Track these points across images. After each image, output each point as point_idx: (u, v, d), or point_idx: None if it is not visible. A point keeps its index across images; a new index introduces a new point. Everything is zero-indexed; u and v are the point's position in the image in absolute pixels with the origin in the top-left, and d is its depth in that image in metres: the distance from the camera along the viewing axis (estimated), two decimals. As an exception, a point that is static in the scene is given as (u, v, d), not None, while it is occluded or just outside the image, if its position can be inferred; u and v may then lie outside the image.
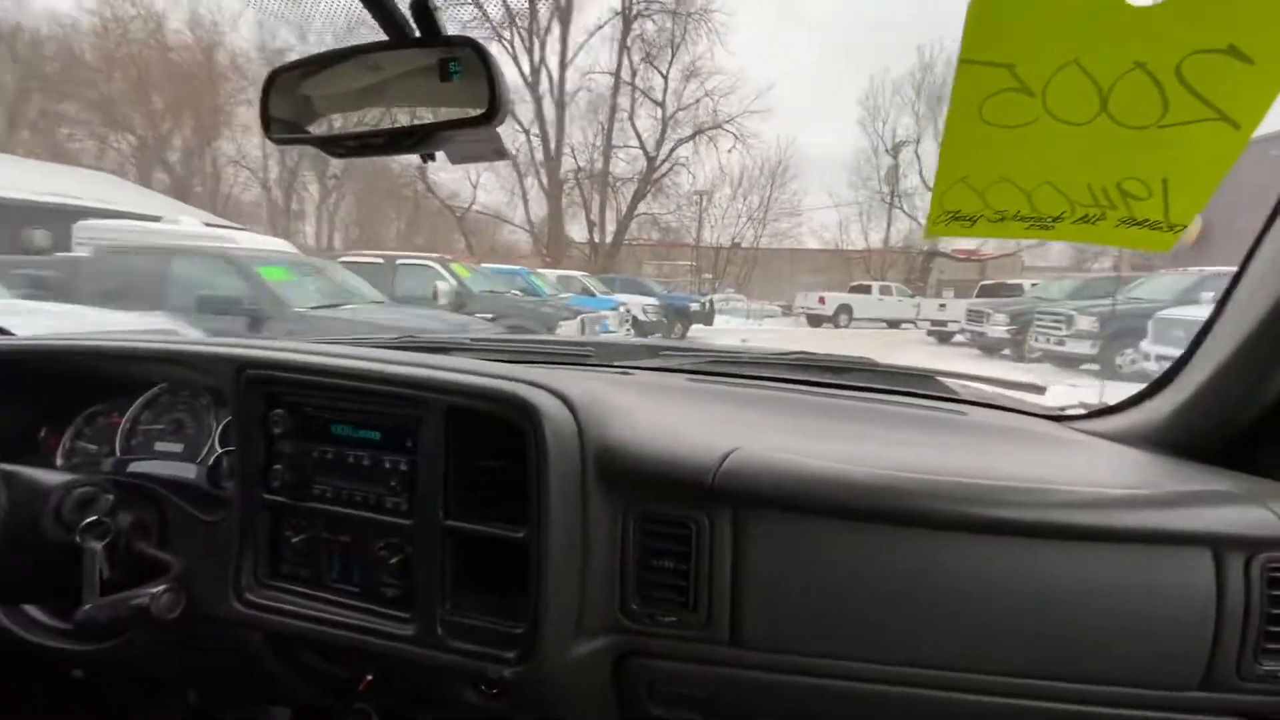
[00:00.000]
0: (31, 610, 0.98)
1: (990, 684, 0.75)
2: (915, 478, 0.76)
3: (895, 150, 26.79)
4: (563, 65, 23.04)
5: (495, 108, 0.66)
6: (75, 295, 4.82)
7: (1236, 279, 0.83)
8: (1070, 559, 0.74)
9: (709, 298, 16.96)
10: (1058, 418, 1.09)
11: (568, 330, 6.85)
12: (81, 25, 22.93)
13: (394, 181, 24.96)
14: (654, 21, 23.00)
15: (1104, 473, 0.87)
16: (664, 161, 24.46)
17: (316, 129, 0.75)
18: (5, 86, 21.57)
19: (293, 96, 0.73)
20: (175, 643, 0.95)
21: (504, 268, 11.70)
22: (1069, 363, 8.82)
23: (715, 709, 0.82)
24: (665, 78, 23.83)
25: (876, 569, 0.76)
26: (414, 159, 0.82)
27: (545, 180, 22.94)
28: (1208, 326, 0.87)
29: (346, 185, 26.22)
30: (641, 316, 11.69)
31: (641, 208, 24.66)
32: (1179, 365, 0.92)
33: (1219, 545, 0.73)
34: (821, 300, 19.46)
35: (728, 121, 23.94)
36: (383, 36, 0.66)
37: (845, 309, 19.40)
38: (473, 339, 1.45)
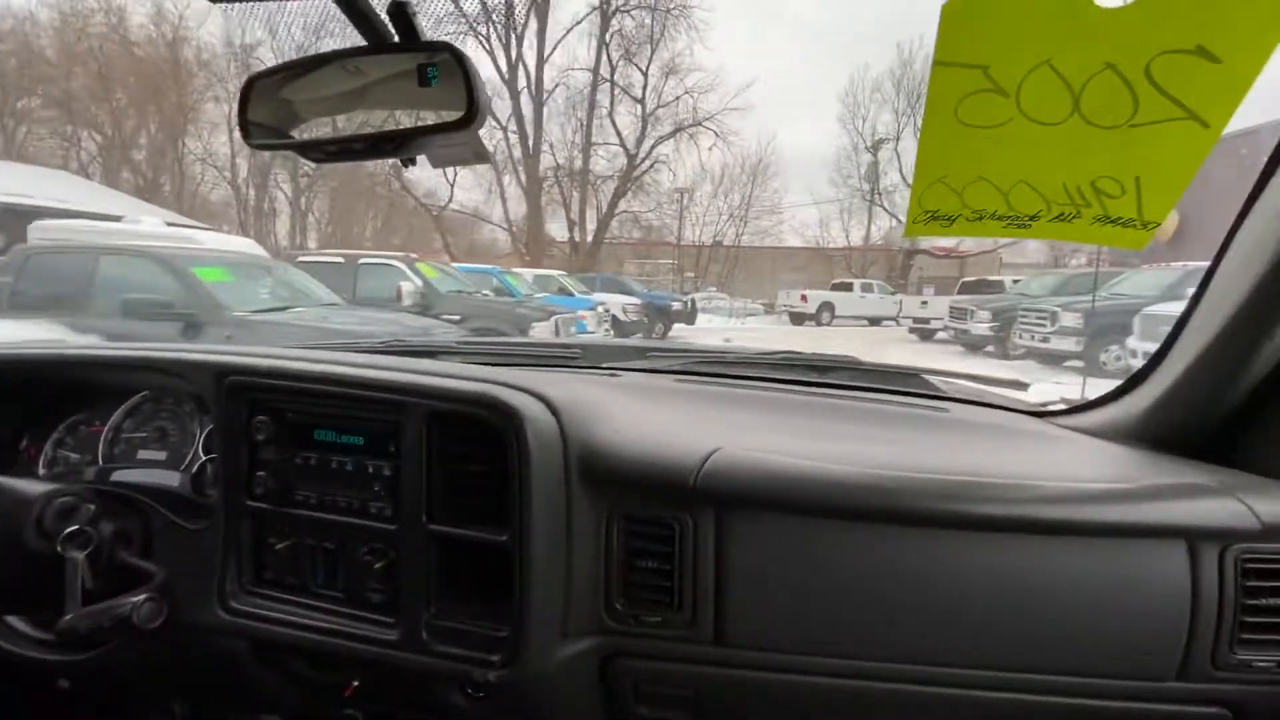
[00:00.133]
0: (14, 621, 0.98)
1: (972, 678, 0.77)
2: (897, 476, 0.77)
3: (875, 147, 27.04)
4: (540, 61, 22.86)
5: (473, 112, 0.66)
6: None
7: (1209, 275, 0.85)
8: (1049, 553, 0.76)
9: (691, 296, 16.90)
10: (1039, 413, 1.11)
11: (541, 332, 6.63)
12: (40, 18, 22.22)
13: (369, 180, 24.57)
14: (633, 17, 22.93)
15: (1082, 467, 0.89)
16: (644, 159, 24.42)
17: (295, 135, 0.75)
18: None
19: (271, 102, 0.73)
20: (160, 651, 0.95)
21: (477, 267, 11.47)
22: (1053, 359, 8.82)
23: (701, 708, 0.83)
24: (645, 74, 23.78)
25: (859, 566, 0.77)
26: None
27: (524, 178, 22.71)
28: (1183, 322, 0.89)
29: (320, 183, 25.69)
30: (621, 316, 11.52)
31: (622, 206, 24.59)
32: (1156, 360, 0.94)
33: (1193, 538, 0.74)
34: (804, 298, 19.56)
35: (708, 119, 23.95)
36: (361, 41, 0.67)
37: (827, 307, 19.53)
38: (459, 342, 1.46)
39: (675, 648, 0.80)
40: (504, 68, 22.16)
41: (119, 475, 1.02)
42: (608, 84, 23.75)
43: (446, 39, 0.67)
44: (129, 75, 22.57)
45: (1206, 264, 0.86)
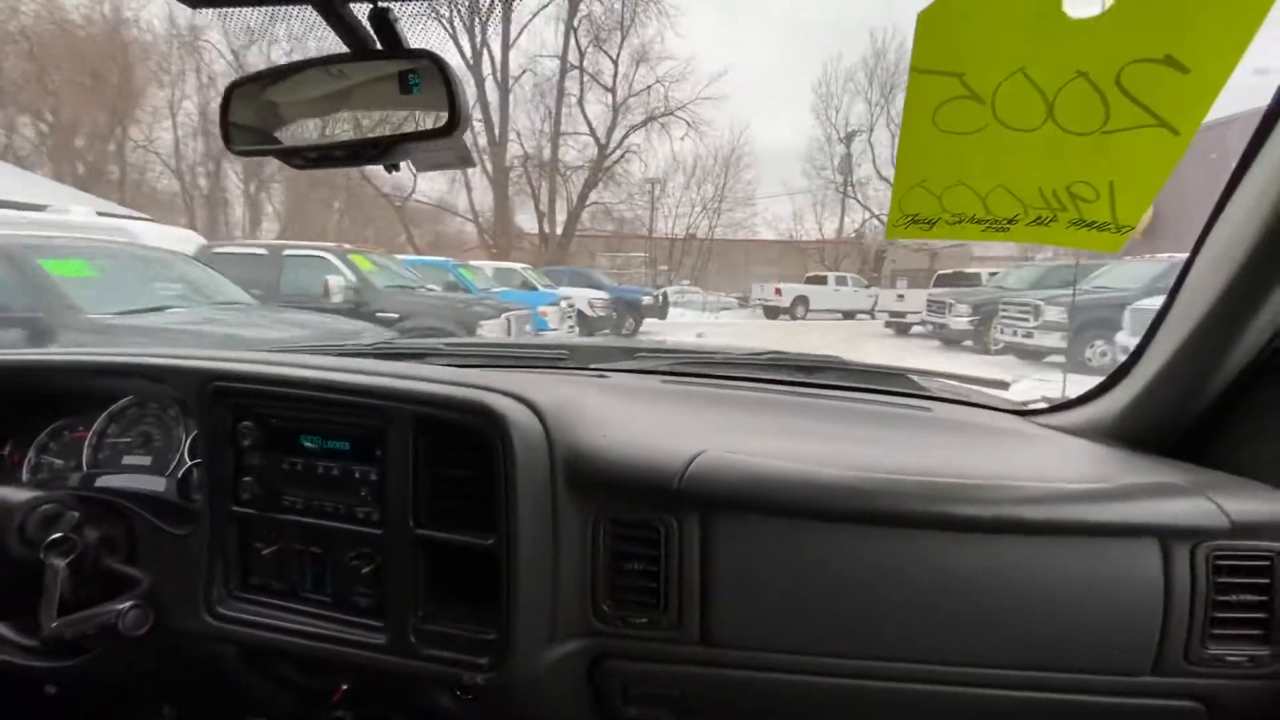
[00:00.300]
0: (0, 628, 0.98)
1: (954, 675, 0.80)
2: (880, 478, 0.80)
3: (848, 139, 26.82)
4: (505, 46, 22.29)
5: (455, 119, 0.68)
6: None
7: (1183, 274, 0.87)
8: (1028, 552, 0.78)
9: (663, 290, 16.44)
10: (1021, 412, 1.13)
11: (491, 331, 6.04)
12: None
13: (327, 170, 23.44)
14: (601, 2, 22.39)
15: (1061, 467, 0.92)
16: (615, 149, 24.06)
17: (277, 141, 0.76)
18: None
19: (253, 107, 0.74)
20: (147, 657, 0.95)
21: (428, 259, 10.86)
22: (1034, 355, 8.48)
23: (689, 708, 0.85)
24: (615, 62, 23.42)
25: (843, 567, 0.80)
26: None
27: (490, 167, 21.89)
28: (1159, 320, 0.91)
29: (271, 170, 24.51)
30: (588, 312, 11.03)
31: (593, 197, 24.19)
32: (1134, 358, 0.96)
33: (1166, 536, 0.77)
34: (778, 291, 19.47)
35: (680, 108, 23.66)
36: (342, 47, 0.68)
37: (802, 300, 19.45)
38: (446, 344, 1.48)
39: (662, 649, 0.82)
40: (468, 53, 21.61)
41: (104, 481, 1.02)
42: (576, 71, 23.34)
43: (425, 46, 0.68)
44: (66, 57, 21.23)
45: (1188, 255, 0.86)
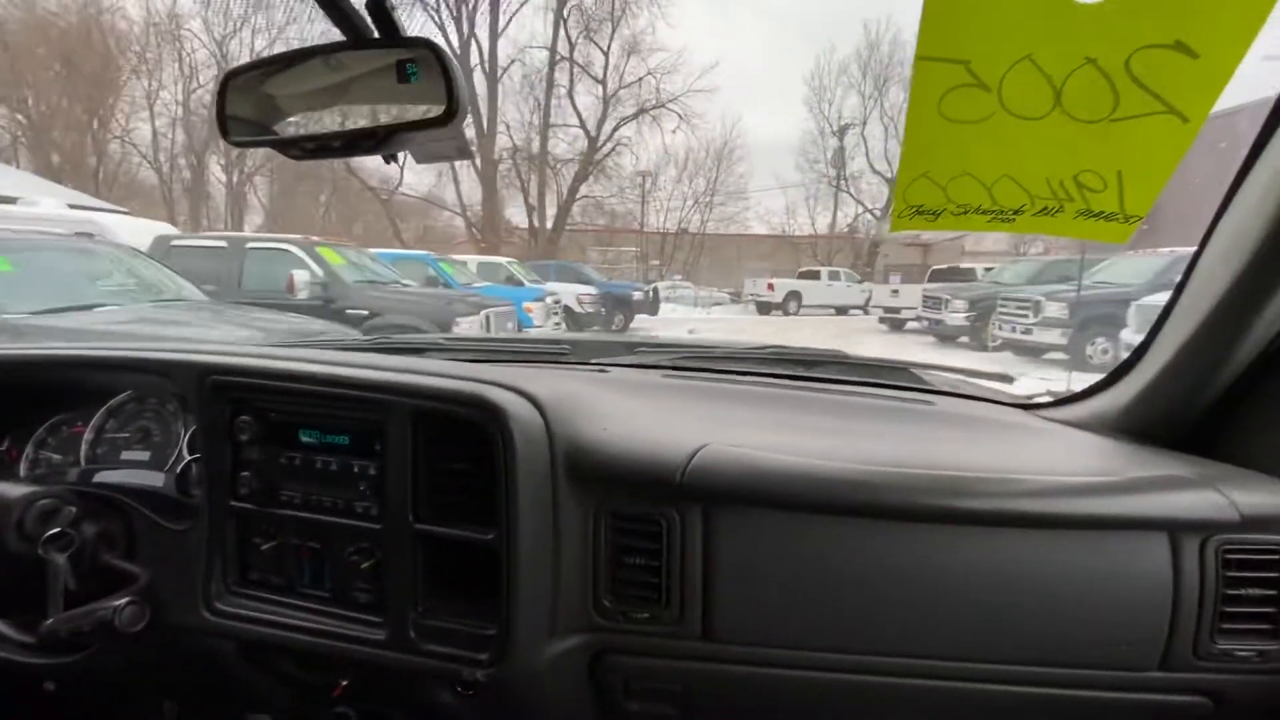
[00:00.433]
0: None
1: (958, 670, 0.79)
2: (882, 471, 0.79)
3: (841, 132, 26.55)
4: (494, 35, 21.97)
5: (454, 108, 0.67)
6: None
7: (1191, 267, 0.86)
8: (1034, 546, 0.78)
9: (654, 285, 16.20)
10: (1025, 406, 1.13)
11: (468, 329, 5.74)
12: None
13: (312, 162, 23.00)
14: (592, -9, 21.69)
15: (1067, 461, 0.92)
16: (606, 141, 23.85)
17: (274, 131, 0.75)
18: None
19: (249, 98, 0.73)
20: (146, 653, 0.95)
21: (409, 254, 10.56)
22: (1032, 352, 8.26)
23: (691, 703, 0.85)
24: (605, 53, 23.21)
25: (846, 561, 0.79)
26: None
27: (478, 160, 21.47)
28: (1166, 312, 0.91)
29: (254, 161, 24.01)
30: (576, 307, 10.80)
31: (584, 190, 23.98)
32: (1140, 351, 0.96)
33: (1174, 529, 0.77)
34: (770, 287, 19.34)
35: (671, 100, 23.43)
36: (339, 36, 0.67)
37: (795, 295, 19.35)
38: (447, 339, 1.54)
39: (664, 643, 0.82)
40: (456, 43, 21.30)
41: (102, 476, 1.01)
42: (566, 62, 23.02)
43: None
44: (40, 45, 20.68)
45: (1193, 249, 0.85)
